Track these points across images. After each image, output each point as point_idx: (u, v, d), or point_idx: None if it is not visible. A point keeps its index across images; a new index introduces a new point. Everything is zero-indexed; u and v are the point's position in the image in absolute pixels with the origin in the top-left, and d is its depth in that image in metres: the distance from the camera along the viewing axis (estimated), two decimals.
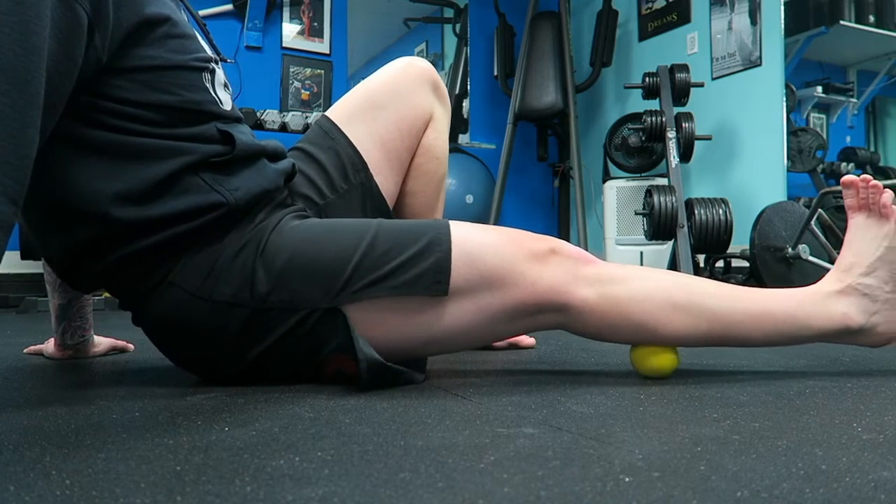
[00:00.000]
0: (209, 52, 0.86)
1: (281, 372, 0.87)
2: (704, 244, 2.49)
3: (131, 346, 1.22)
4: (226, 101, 0.86)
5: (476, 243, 0.82)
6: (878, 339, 0.89)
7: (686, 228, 2.51)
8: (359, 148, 1.02)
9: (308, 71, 3.63)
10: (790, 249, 2.37)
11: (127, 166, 0.76)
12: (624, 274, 0.85)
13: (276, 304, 0.80)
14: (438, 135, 1.11)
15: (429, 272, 0.80)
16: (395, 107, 1.06)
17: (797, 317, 0.87)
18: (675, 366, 0.88)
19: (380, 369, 0.80)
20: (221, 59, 0.91)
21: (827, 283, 0.90)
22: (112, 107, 0.74)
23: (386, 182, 1.05)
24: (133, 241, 0.77)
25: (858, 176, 0.93)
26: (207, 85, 0.82)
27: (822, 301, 0.88)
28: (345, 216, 0.98)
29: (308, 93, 3.61)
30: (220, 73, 0.87)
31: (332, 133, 1.03)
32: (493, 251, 0.82)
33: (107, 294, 2.64)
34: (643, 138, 2.95)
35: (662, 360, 0.87)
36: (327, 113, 1.06)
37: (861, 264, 0.89)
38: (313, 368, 0.86)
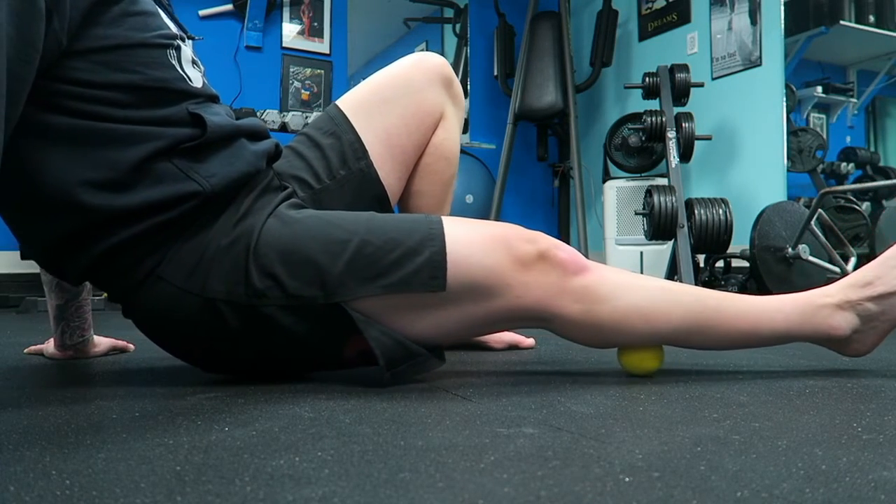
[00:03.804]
0: (173, 28, 0.84)
1: (302, 365, 0.87)
2: (704, 244, 2.49)
3: (131, 346, 1.22)
4: (196, 78, 0.84)
5: (463, 250, 0.80)
6: (848, 350, 0.90)
7: (686, 228, 2.51)
8: (363, 138, 1.00)
9: (308, 71, 3.63)
10: (790, 249, 2.37)
11: (95, 153, 0.74)
12: (611, 290, 0.82)
13: (274, 301, 0.79)
14: (448, 135, 1.09)
15: (424, 268, 0.79)
16: (402, 102, 1.04)
17: (781, 332, 0.87)
18: (661, 364, 0.90)
19: (395, 348, 0.80)
20: (189, 37, 0.89)
21: (828, 295, 0.88)
22: (75, 90, 0.73)
23: (388, 177, 1.02)
24: (113, 233, 0.76)
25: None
26: (173, 62, 0.80)
27: (814, 312, 0.87)
28: (341, 203, 0.96)
29: (308, 93, 3.61)
30: (186, 50, 0.84)
31: (336, 119, 1.01)
32: (479, 259, 0.80)
33: (106, 293, 2.64)
34: (643, 138, 2.95)
35: (648, 361, 0.89)
36: (337, 101, 1.05)
37: (875, 290, 0.87)
38: (335, 356, 0.86)
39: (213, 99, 0.86)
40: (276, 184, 0.91)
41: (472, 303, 0.81)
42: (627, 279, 0.85)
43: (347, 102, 1.04)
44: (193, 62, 0.86)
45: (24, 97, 0.66)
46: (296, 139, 1.03)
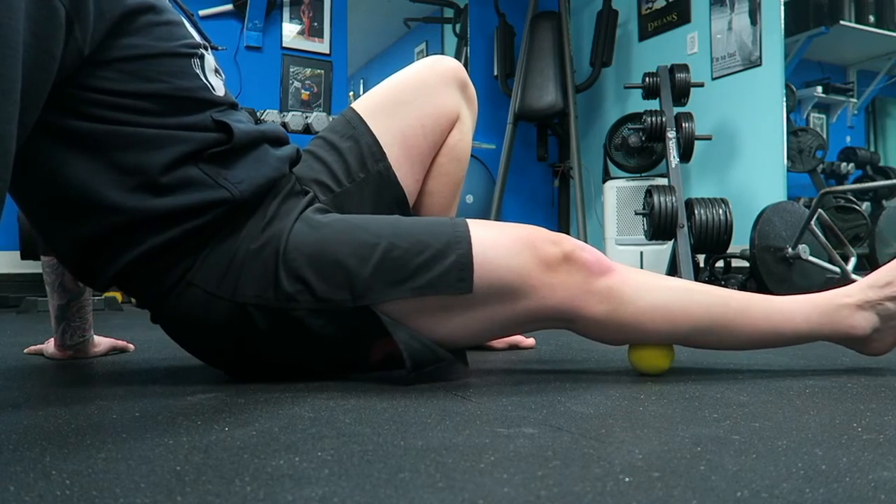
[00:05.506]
0: (197, 38, 0.84)
1: (328, 366, 0.88)
2: (704, 244, 2.49)
3: (131, 347, 1.22)
4: (218, 86, 0.85)
5: (489, 252, 0.81)
6: (868, 350, 0.91)
7: (686, 228, 2.51)
8: (380, 140, 1.01)
9: (308, 71, 3.63)
10: (790, 249, 2.37)
11: (122, 156, 0.75)
12: (635, 290, 0.84)
13: (304, 305, 0.80)
14: (462, 136, 1.10)
15: (451, 270, 0.80)
16: (418, 103, 1.04)
17: (801, 332, 0.88)
18: (672, 364, 0.91)
19: (422, 351, 0.81)
20: (212, 47, 0.90)
21: (848, 294, 0.89)
22: (101, 98, 0.73)
23: (406, 178, 1.03)
24: (145, 238, 0.77)
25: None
26: (197, 71, 0.81)
27: (833, 312, 0.88)
28: (361, 205, 0.97)
29: (308, 93, 3.61)
30: (210, 59, 0.85)
31: (353, 122, 1.02)
32: (505, 261, 0.81)
33: (107, 294, 2.64)
34: (643, 138, 2.95)
35: (660, 360, 0.90)
36: (353, 105, 1.06)
37: (894, 289, 0.88)
38: (362, 358, 0.87)
39: (234, 106, 0.87)
40: (298, 188, 0.92)
41: (497, 304, 0.82)
42: (651, 279, 0.86)
43: (363, 106, 1.04)
44: (216, 71, 0.87)
45: (40, 102, 0.66)
46: (313, 143, 1.03)
